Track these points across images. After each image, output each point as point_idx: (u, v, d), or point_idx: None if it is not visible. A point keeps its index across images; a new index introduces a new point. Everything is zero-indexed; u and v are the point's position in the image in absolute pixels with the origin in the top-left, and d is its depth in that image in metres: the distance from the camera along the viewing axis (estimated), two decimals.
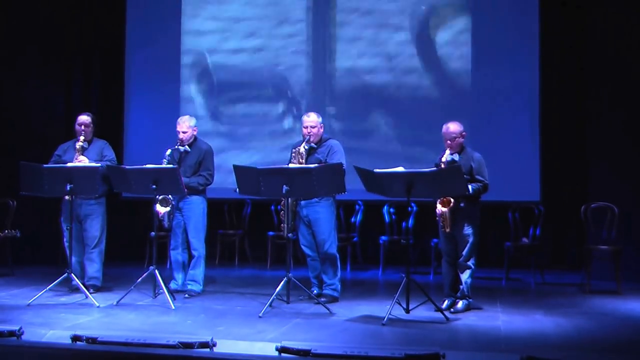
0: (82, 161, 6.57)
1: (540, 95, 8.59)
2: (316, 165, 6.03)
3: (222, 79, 9.46)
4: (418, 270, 8.00)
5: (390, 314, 5.50)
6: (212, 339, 3.97)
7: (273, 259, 8.71)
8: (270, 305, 5.86)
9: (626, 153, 7.75)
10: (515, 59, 8.65)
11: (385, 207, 8.50)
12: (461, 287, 6.00)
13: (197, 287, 6.62)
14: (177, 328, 5.30)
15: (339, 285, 6.40)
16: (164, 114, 9.14)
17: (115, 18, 9.59)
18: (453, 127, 6.00)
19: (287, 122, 9.22)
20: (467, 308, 5.98)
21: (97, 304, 6.08)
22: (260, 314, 5.67)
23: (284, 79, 9.29)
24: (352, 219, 8.69)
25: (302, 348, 3.83)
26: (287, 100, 9.29)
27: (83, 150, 6.69)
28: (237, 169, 6.11)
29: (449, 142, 5.98)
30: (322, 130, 6.40)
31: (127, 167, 6.54)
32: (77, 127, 6.82)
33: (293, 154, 6.38)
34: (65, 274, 6.33)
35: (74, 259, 6.68)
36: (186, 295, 6.52)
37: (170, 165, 6.34)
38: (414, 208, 8.04)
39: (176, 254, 6.73)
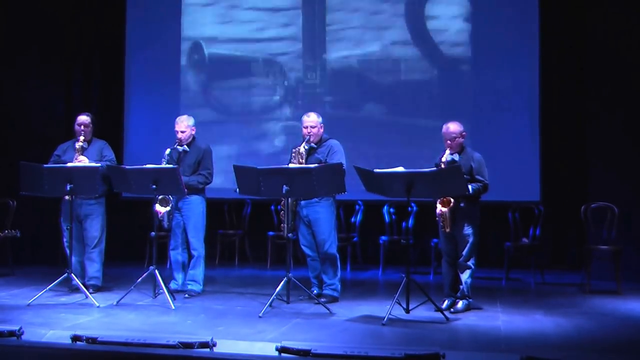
0: (82, 161, 6.57)
1: (540, 95, 8.58)
2: (316, 165, 6.03)
3: (223, 79, 9.46)
4: (418, 270, 8.00)
5: (390, 314, 5.50)
6: (212, 339, 3.97)
7: (273, 259, 8.71)
8: (270, 305, 5.86)
9: (626, 153, 7.74)
10: (515, 59, 8.65)
11: (385, 207, 8.50)
12: (461, 287, 6.00)
13: (197, 287, 6.62)
14: (177, 328, 5.30)
15: (339, 285, 6.40)
16: (164, 114, 9.13)
17: (115, 18, 9.59)
18: (453, 127, 6.00)
19: (289, 121, 9.21)
20: (467, 308, 5.98)
21: (97, 304, 6.08)
22: (260, 314, 5.67)
23: (284, 80, 9.30)
24: (352, 219, 8.69)
25: (302, 348, 3.83)
26: (289, 101, 9.29)
27: (83, 150, 6.70)
28: (237, 169, 6.11)
29: (449, 142, 5.98)
30: (322, 130, 6.40)
31: (127, 167, 6.54)
32: (76, 127, 6.82)
33: (293, 154, 6.38)
34: (65, 274, 6.33)
35: (74, 259, 6.69)
36: (186, 295, 6.52)
37: (171, 165, 6.34)
38: (414, 208, 8.03)
39: (176, 254, 6.73)
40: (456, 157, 5.97)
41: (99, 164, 6.50)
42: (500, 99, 8.69)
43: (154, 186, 6.14)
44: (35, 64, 9.16)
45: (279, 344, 3.89)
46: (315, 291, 6.38)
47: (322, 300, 6.17)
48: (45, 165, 6.38)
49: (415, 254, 8.33)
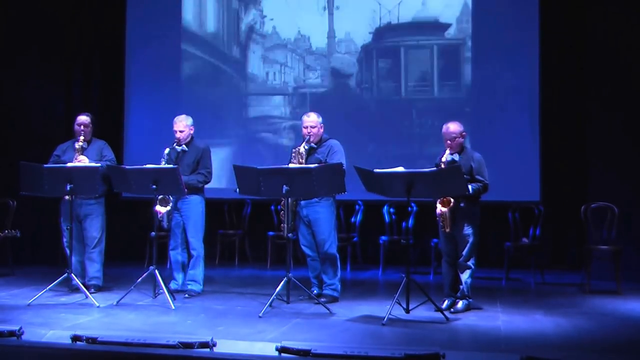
0: (82, 161, 6.57)
1: (540, 95, 8.58)
2: (316, 165, 6.03)
3: (223, 78, 9.48)
4: (418, 270, 8.00)
5: (390, 314, 5.50)
6: (212, 339, 3.97)
7: (273, 259, 8.71)
8: (270, 305, 5.86)
9: (626, 153, 7.74)
10: (515, 59, 8.65)
11: (385, 207, 8.50)
12: (461, 287, 6.00)
13: (197, 287, 6.62)
14: (177, 328, 5.30)
15: (339, 285, 6.40)
16: (164, 114, 9.11)
17: (115, 18, 9.59)
18: (453, 127, 6.00)
19: (289, 121, 9.21)
20: (467, 308, 5.98)
21: (97, 304, 6.08)
22: (260, 314, 5.67)
23: (286, 80, 9.31)
24: (352, 219, 8.69)
25: (302, 348, 3.83)
26: (290, 100, 9.30)
27: (82, 151, 6.70)
28: (237, 169, 6.11)
29: (449, 142, 5.98)
30: (322, 130, 6.40)
31: (127, 167, 6.54)
32: (76, 127, 6.82)
33: (293, 154, 6.38)
34: (65, 274, 6.33)
35: (74, 259, 6.69)
36: (186, 295, 6.52)
37: (171, 165, 6.34)
38: (414, 208, 8.03)
39: (176, 254, 6.73)
40: (456, 157, 5.97)
41: (99, 164, 6.50)
42: (500, 99, 8.70)
43: (154, 186, 6.14)
44: (35, 64, 9.16)
45: (279, 344, 3.89)
46: (315, 291, 6.38)
47: (322, 300, 6.17)
48: (45, 165, 6.38)
49: (415, 254, 8.33)
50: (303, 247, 6.46)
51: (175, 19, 9.55)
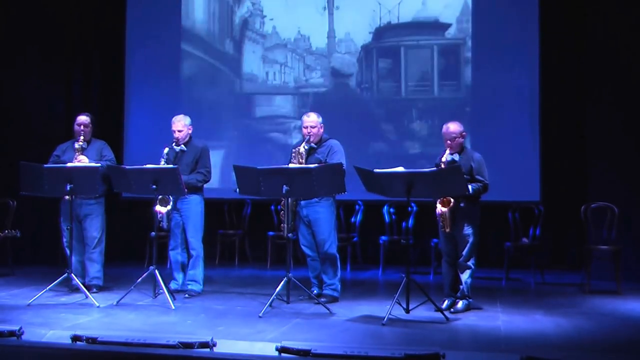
0: (82, 161, 6.57)
1: (540, 95, 8.58)
2: (316, 165, 6.03)
3: (223, 78, 9.48)
4: (418, 270, 8.00)
5: (390, 314, 5.50)
6: (212, 339, 3.97)
7: (273, 259, 8.71)
8: (270, 305, 5.86)
9: (626, 153, 7.74)
10: (515, 59, 8.65)
11: (385, 207, 8.50)
12: (461, 287, 6.00)
13: (197, 287, 6.62)
14: (177, 328, 5.30)
15: (339, 285, 6.40)
16: (164, 113, 9.11)
17: (115, 18, 9.59)
18: (453, 127, 6.00)
19: (289, 120, 9.21)
20: (467, 308, 5.98)
21: (97, 304, 6.08)
22: (260, 314, 5.67)
23: (286, 80, 9.32)
24: (352, 219, 8.69)
25: (302, 348, 3.83)
26: (290, 99, 9.30)
27: (82, 151, 6.69)
28: (237, 169, 6.11)
29: (449, 142, 5.98)
30: (322, 130, 6.40)
31: (127, 167, 6.54)
32: (76, 127, 6.82)
33: (293, 154, 6.38)
34: (65, 274, 6.33)
35: (74, 259, 6.69)
36: (186, 295, 6.52)
37: (171, 166, 6.34)
38: (414, 208, 8.03)
39: (175, 254, 6.73)
40: (456, 157, 5.97)
41: (99, 164, 6.50)
42: (500, 99, 8.70)
43: (154, 186, 6.14)
44: (35, 64, 9.16)
45: (279, 344, 3.89)
46: (315, 291, 6.38)
47: (322, 300, 6.17)
48: (45, 165, 6.38)
49: (415, 254, 8.33)
50: (303, 247, 6.46)
51: (175, 19, 9.55)
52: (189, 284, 6.63)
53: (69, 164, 6.48)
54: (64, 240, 6.76)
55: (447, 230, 5.91)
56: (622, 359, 4.85)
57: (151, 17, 9.59)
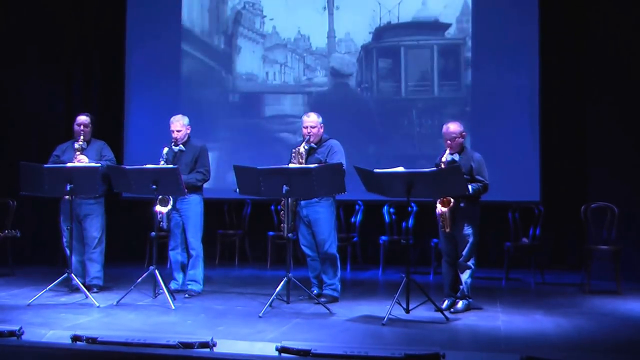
0: (82, 161, 6.57)
1: (540, 95, 8.58)
2: (316, 165, 6.03)
3: (222, 78, 9.48)
4: (418, 270, 8.00)
5: (390, 314, 5.50)
6: (212, 339, 3.97)
7: (273, 259, 8.71)
8: (270, 305, 5.86)
9: (626, 153, 7.74)
10: (515, 59, 8.65)
11: (385, 207, 8.50)
12: (461, 287, 6.00)
13: (197, 287, 6.62)
14: (177, 328, 5.30)
15: (339, 285, 6.40)
16: (164, 114, 9.10)
17: (115, 17, 9.59)
18: (453, 127, 6.00)
19: (290, 119, 9.21)
20: (467, 308, 5.97)
21: (97, 304, 6.07)
22: (260, 314, 5.67)
23: (286, 80, 9.32)
24: (352, 219, 8.69)
25: (302, 348, 3.83)
26: (291, 98, 9.31)
27: (82, 151, 6.69)
28: (237, 169, 6.10)
29: (448, 142, 5.98)
30: (322, 130, 6.40)
31: (127, 167, 6.54)
32: (76, 127, 6.83)
33: (293, 154, 6.38)
34: (65, 274, 6.33)
35: (75, 258, 6.69)
36: (186, 295, 6.52)
37: (171, 166, 6.34)
38: (414, 208, 8.03)
39: (175, 254, 6.73)
40: (456, 157, 5.97)
41: (98, 164, 6.50)
42: (500, 99, 8.70)
43: (154, 186, 6.14)
44: (35, 64, 9.16)
45: (279, 344, 3.89)
46: (315, 291, 6.38)
47: (322, 300, 6.17)
48: (45, 165, 6.38)
49: (415, 254, 8.33)
50: (303, 247, 6.46)
51: (175, 19, 9.55)
52: (189, 284, 6.63)
53: (69, 164, 6.48)
54: (64, 240, 6.76)
55: (447, 230, 5.91)
56: (622, 359, 4.85)
57: (151, 17, 9.58)
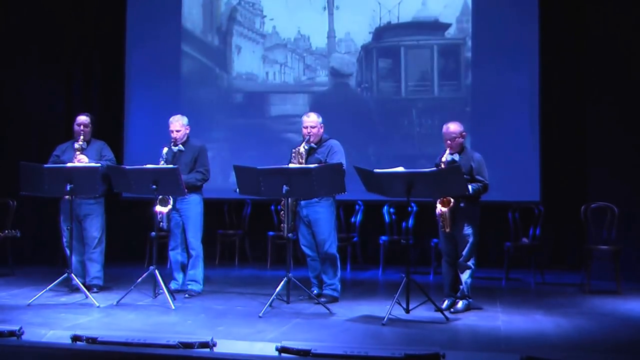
0: (82, 160, 6.57)
1: (540, 95, 8.58)
2: (316, 165, 6.03)
3: (223, 78, 9.48)
4: (418, 270, 8.00)
5: (390, 314, 5.50)
6: (212, 339, 3.97)
7: (273, 259, 8.71)
8: (270, 305, 5.86)
9: (626, 153, 7.74)
10: (515, 59, 8.65)
11: (385, 207, 8.50)
12: (461, 287, 6.00)
13: (197, 287, 6.62)
14: (177, 328, 5.30)
15: (339, 285, 6.40)
16: (164, 113, 9.10)
17: (115, 17, 9.59)
18: (453, 127, 6.00)
19: (290, 119, 9.22)
20: (467, 308, 5.97)
21: (97, 304, 6.07)
22: (260, 314, 5.67)
23: (286, 80, 9.33)
24: (352, 219, 8.69)
25: (302, 348, 3.83)
26: (290, 98, 9.31)
27: (82, 151, 6.69)
28: (237, 169, 6.10)
29: (449, 142, 5.98)
30: (322, 130, 6.40)
31: (127, 167, 6.54)
32: (75, 127, 6.82)
33: (293, 154, 6.38)
34: (65, 274, 6.33)
35: (75, 258, 6.69)
36: (186, 295, 6.52)
37: (171, 166, 6.34)
38: (414, 208, 8.03)
39: (175, 254, 6.73)
40: (456, 157, 5.97)
41: (98, 164, 6.50)
42: (500, 99, 8.70)
43: (154, 186, 6.14)
44: (35, 64, 9.16)
45: (279, 344, 3.89)
46: (315, 291, 6.38)
47: (322, 300, 6.17)
48: (45, 165, 6.38)
49: (415, 254, 8.32)
50: (303, 247, 6.46)
51: (175, 19, 9.55)
52: (189, 284, 6.63)
53: (69, 164, 6.48)
54: (64, 240, 6.76)
55: (447, 230, 5.90)
56: (622, 359, 4.85)
57: (151, 17, 9.58)
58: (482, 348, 4.89)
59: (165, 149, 6.58)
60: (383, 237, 8.36)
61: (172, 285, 6.61)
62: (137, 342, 3.91)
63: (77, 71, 9.53)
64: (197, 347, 3.89)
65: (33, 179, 6.28)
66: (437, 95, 8.96)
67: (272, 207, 8.63)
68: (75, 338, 3.98)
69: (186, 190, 6.29)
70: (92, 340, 3.94)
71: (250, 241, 9.13)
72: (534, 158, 8.53)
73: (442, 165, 5.91)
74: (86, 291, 6.28)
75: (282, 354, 3.84)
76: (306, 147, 6.30)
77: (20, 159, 6.47)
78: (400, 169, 5.69)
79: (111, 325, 5.36)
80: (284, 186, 5.82)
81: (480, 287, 6.85)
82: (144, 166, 6.27)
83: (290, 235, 6.18)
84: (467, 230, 5.94)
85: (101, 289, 6.71)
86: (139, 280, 6.28)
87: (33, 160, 6.57)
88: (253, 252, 9.13)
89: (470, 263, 5.98)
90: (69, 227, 6.55)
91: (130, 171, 6.29)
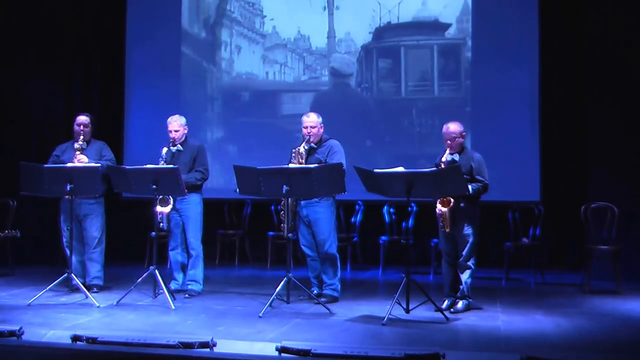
0: (82, 160, 6.57)
1: (540, 95, 8.58)
2: (316, 165, 6.03)
3: (223, 78, 9.48)
4: (418, 270, 8.00)
5: (390, 314, 5.50)
6: (212, 339, 3.97)
7: (273, 259, 8.71)
8: (270, 305, 5.86)
9: (626, 153, 7.74)
10: (515, 59, 8.65)
11: (385, 207, 8.50)
12: (461, 287, 6.00)
13: (197, 287, 6.62)
14: (177, 328, 5.30)
15: (339, 285, 6.40)
16: (164, 113, 9.09)
17: (115, 17, 9.59)
18: (453, 127, 6.00)
19: (290, 118, 9.22)
20: (467, 308, 5.97)
21: (97, 304, 6.07)
22: (260, 314, 5.67)
23: (286, 80, 9.33)
24: (352, 219, 8.69)
25: (302, 348, 3.83)
26: (290, 97, 9.31)
27: (82, 151, 6.69)
28: (237, 169, 6.10)
29: (449, 142, 5.98)
30: (322, 130, 6.40)
31: (127, 167, 6.54)
32: (75, 127, 6.83)
33: (293, 154, 6.38)
34: (65, 274, 6.33)
35: (75, 258, 6.69)
36: (186, 295, 6.52)
37: (171, 166, 6.34)
38: (414, 208, 8.03)
39: (175, 254, 6.73)
40: (456, 157, 5.97)
41: (98, 164, 6.50)
42: (500, 98, 8.70)
43: (154, 186, 6.14)
44: (35, 64, 9.16)
45: (279, 344, 3.89)
46: (315, 291, 6.38)
47: (322, 300, 6.17)
48: (45, 165, 6.38)
49: (415, 254, 8.32)
50: (303, 247, 6.46)
51: (174, 19, 9.55)
52: (189, 284, 6.63)
53: (68, 164, 6.48)
54: (64, 240, 6.76)
55: (447, 230, 5.90)
56: (622, 359, 4.85)
57: (151, 17, 9.58)
58: (482, 348, 4.89)
59: (165, 149, 6.59)
60: (383, 237, 8.36)
61: (172, 285, 6.62)
62: (137, 342, 3.91)
63: (77, 71, 9.53)
64: (197, 347, 3.89)
65: (33, 179, 6.28)
66: (437, 95, 8.96)
67: (272, 207, 8.62)
68: (75, 338, 3.98)
69: (186, 190, 6.29)
70: (92, 340, 3.94)
71: (250, 241, 9.13)
72: (534, 158, 8.53)
73: (442, 165, 5.91)
74: (86, 291, 6.28)
75: (282, 354, 3.84)
76: (306, 147, 6.30)
77: (20, 159, 6.47)
78: (400, 169, 5.70)
79: (111, 325, 5.36)
80: (284, 186, 5.82)
81: (480, 287, 6.85)
82: (144, 166, 6.27)
83: (290, 235, 6.18)
84: (467, 230, 5.95)
85: (101, 289, 6.72)
86: (139, 280, 6.28)
87: (33, 160, 6.57)
88: (253, 252, 9.13)
89: (470, 263, 5.98)
90: (69, 227, 6.55)
91: (130, 171, 6.29)
